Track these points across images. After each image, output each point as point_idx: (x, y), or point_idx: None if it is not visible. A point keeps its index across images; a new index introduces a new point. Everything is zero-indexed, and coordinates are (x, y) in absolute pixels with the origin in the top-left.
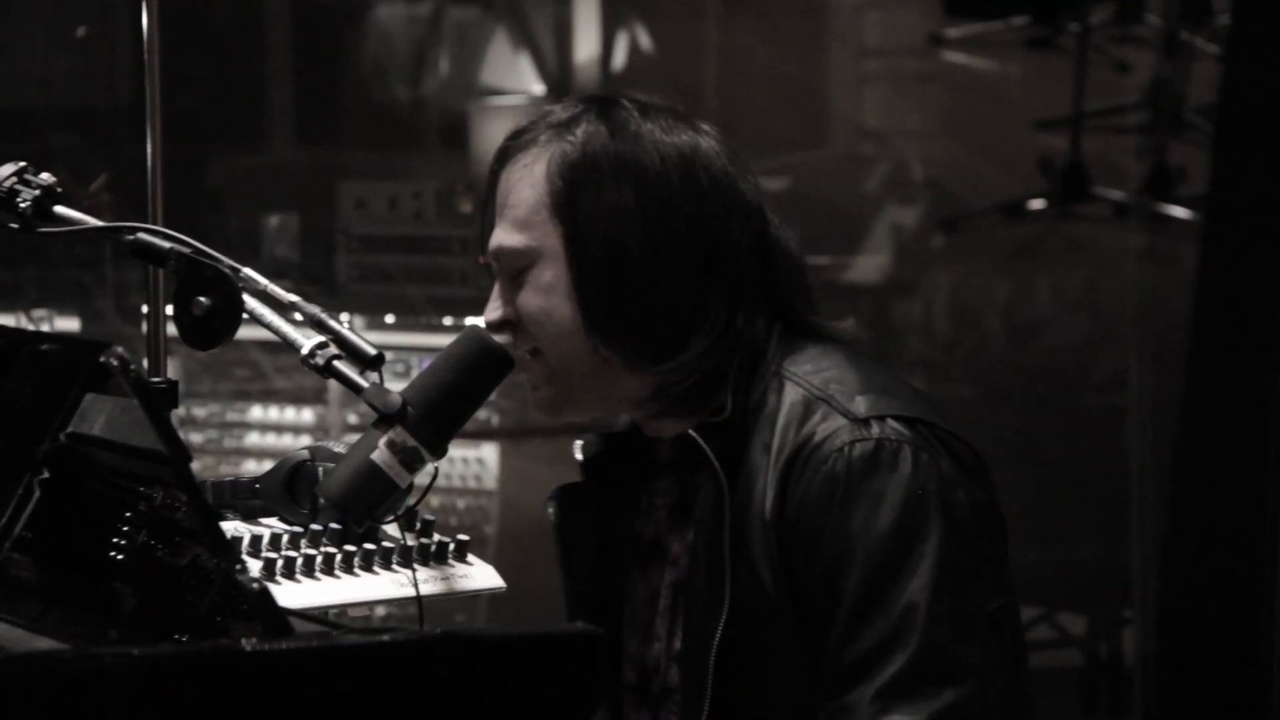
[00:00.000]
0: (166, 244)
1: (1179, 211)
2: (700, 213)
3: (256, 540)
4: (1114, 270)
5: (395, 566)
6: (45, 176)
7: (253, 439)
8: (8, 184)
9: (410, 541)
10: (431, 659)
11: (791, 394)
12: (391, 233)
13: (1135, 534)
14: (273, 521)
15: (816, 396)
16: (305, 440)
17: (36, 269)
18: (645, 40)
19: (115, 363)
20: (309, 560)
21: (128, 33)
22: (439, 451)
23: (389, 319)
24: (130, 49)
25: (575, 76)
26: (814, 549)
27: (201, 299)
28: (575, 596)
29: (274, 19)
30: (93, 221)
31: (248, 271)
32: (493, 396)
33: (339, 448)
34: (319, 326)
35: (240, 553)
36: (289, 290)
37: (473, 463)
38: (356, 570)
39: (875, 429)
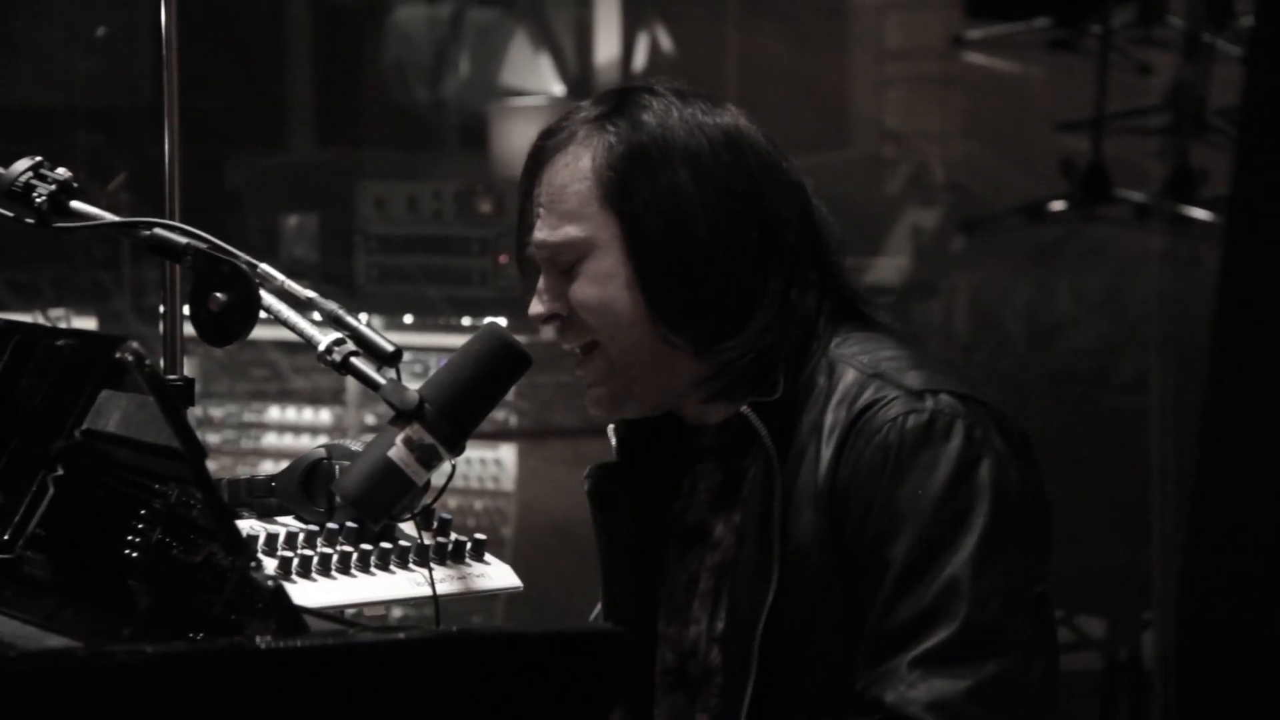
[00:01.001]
0: (183, 239)
1: (1201, 213)
2: (753, 190)
3: (272, 539)
4: (1136, 272)
5: (412, 566)
6: (61, 172)
7: (270, 440)
8: (24, 179)
9: (427, 540)
10: (448, 658)
11: (843, 375)
12: (410, 233)
13: (1156, 536)
14: (289, 520)
15: (869, 374)
16: (322, 439)
17: (55, 269)
18: (666, 41)
19: (130, 358)
20: (325, 559)
21: (148, 33)
22: (457, 449)
23: (407, 319)
24: (150, 49)
25: (596, 77)
26: (864, 517)
27: (218, 295)
28: (610, 577)
29: (295, 20)
30: (109, 216)
31: (265, 267)
32: (510, 397)
33: (356, 446)
34: (336, 323)
35: (255, 551)
36: (309, 287)
37: (490, 464)
38: (373, 569)
39: (929, 401)
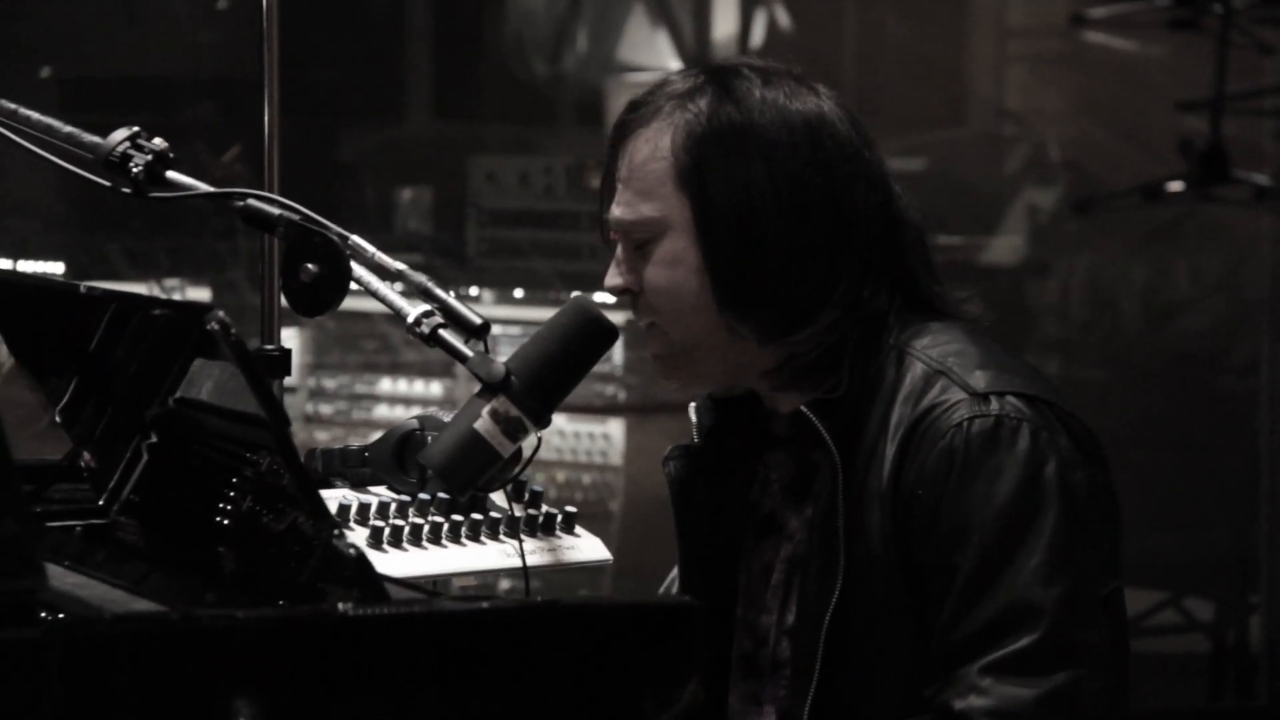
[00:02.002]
0: (276, 210)
1: None
2: (828, 183)
3: (364, 508)
4: (1252, 254)
5: (502, 537)
6: (158, 142)
7: (381, 411)
8: (121, 149)
9: (518, 512)
10: (527, 627)
11: (910, 368)
12: (522, 207)
13: (1264, 519)
14: (381, 490)
15: (935, 370)
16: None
17: (171, 239)
18: (783, 18)
19: (216, 327)
20: (416, 529)
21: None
22: (542, 422)
23: (518, 293)
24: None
25: (713, 53)
26: (930, 523)
27: (309, 266)
28: (690, 559)
29: None
30: (203, 187)
31: (356, 239)
32: (619, 372)
33: (448, 417)
34: (425, 295)
35: (341, 520)
36: (416, 263)
37: (599, 438)
38: (463, 540)
39: (995, 404)
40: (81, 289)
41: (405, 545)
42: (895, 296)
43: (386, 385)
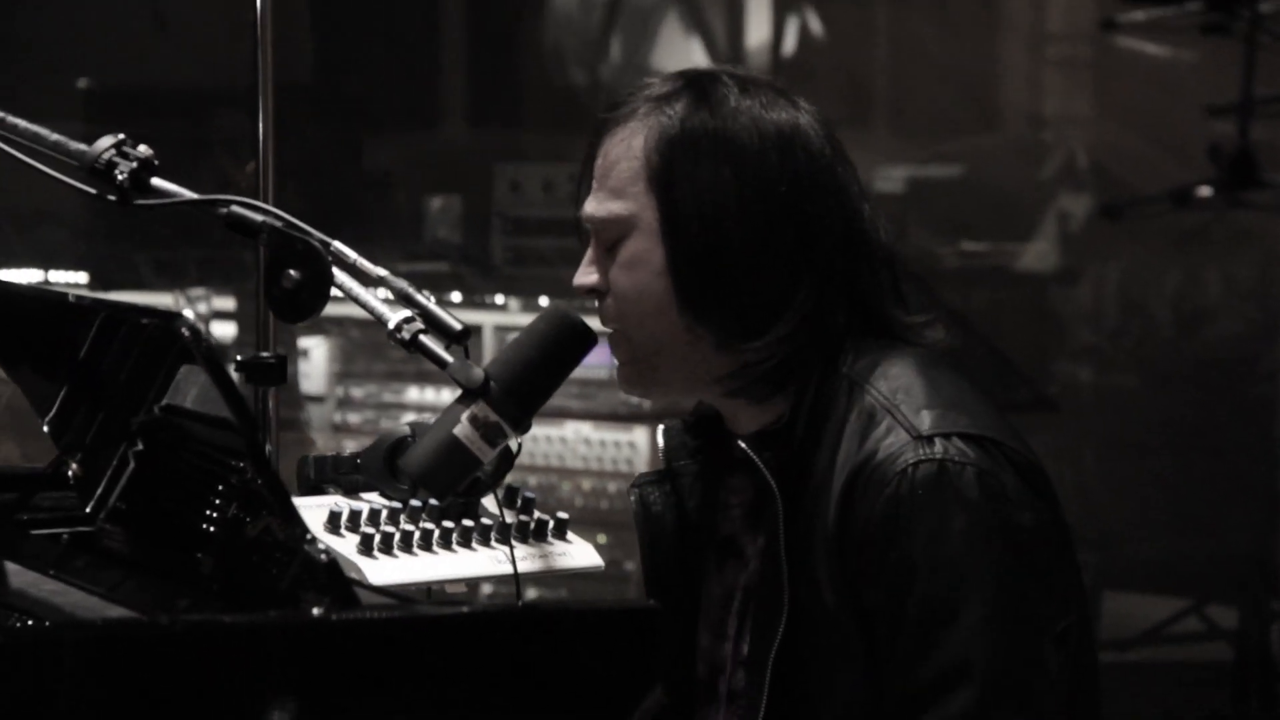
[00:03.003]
0: (259, 217)
1: None
2: (795, 194)
3: (355, 515)
4: None
5: (493, 543)
6: (143, 149)
7: (409, 420)
8: (106, 156)
9: (509, 518)
10: (489, 631)
11: (858, 401)
12: (546, 215)
13: None
14: (373, 497)
15: (882, 406)
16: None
17: (198, 249)
18: (816, 25)
19: (188, 334)
20: (406, 536)
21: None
22: (521, 427)
23: (543, 300)
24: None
25: (746, 61)
26: (878, 572)
27: (291, 272)
28: (653, 584)
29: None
30: (188, 194)
31: (338, 245)
32: None
33: None
34: (406, 301)
35: (331, 527)
36: (442, 271)
37: (624, 446)
38: (454, 546)
39: (939, 447)
40: (70, 298)
41: (395, 552)
42: (853, 317)
43: (414, 394)
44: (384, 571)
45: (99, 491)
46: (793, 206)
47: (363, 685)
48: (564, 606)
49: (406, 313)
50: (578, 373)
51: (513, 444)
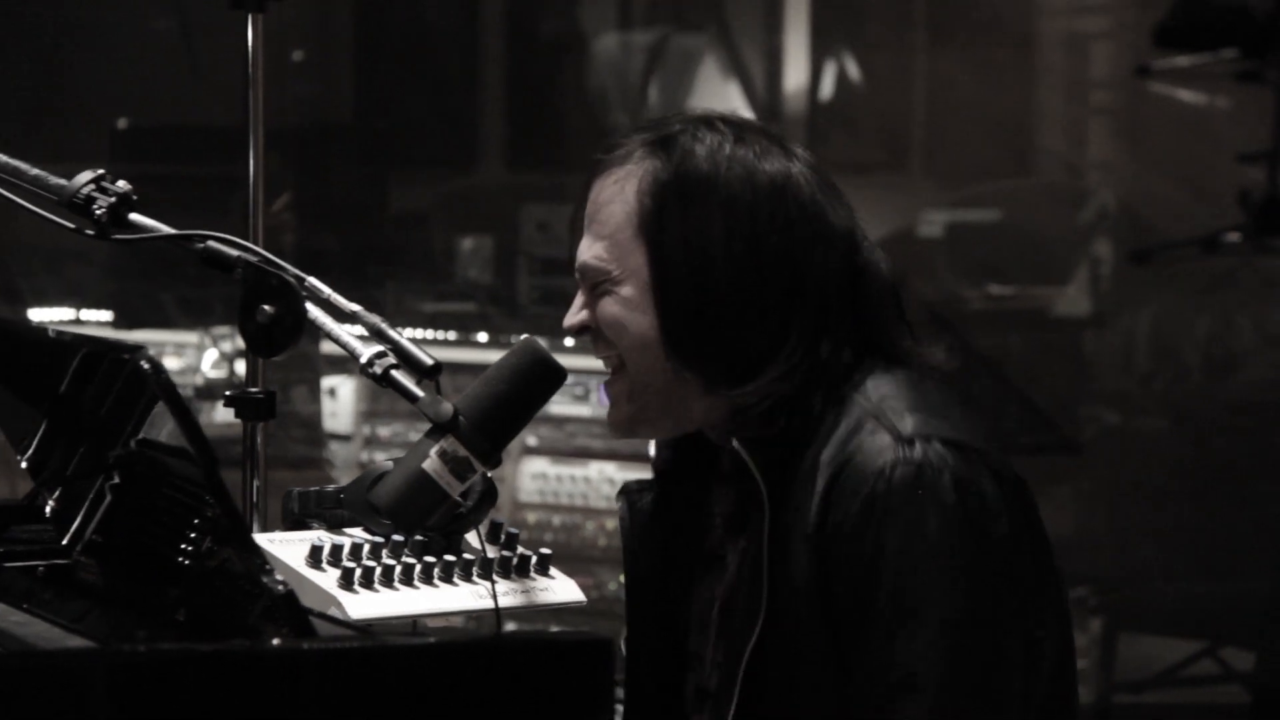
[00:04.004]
0: (234, 252)
1: None
2: (787, 243)
3: (336, 549)
4: None
5: (475, 579)
6: (121, 184)
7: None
8: (85, 191)
9: (491, 554)
10: (441, 662)
11: (848, 412)
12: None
13: None
14: (356, 531)
15: (869, 413)
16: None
17: (225, 287)
18: (854, 70)
19: (147, 367)
20: (388, 570)
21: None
22: (490, 461)
23: (569, 341)
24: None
25: (784, 104)
26: (850, 569)
27: (265, 307)
28: (635, 592)
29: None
30: (165, 229)
31: (312, 281)
32: None
33: None
34: (379, 336)
35: (313, 561)
36: (469, 311)
37: None
38: (436, 581)
39: (919, 450)
40: (50, 332)
41: (377, 586)
42: (861, 353)
43: None
44: (364, 605)
45: (75, 524)
46: (783, 256)
47: (308, 716)
48: (515, 637)
49: (379, 348)
50: (600, 413)
51: (481, 478)
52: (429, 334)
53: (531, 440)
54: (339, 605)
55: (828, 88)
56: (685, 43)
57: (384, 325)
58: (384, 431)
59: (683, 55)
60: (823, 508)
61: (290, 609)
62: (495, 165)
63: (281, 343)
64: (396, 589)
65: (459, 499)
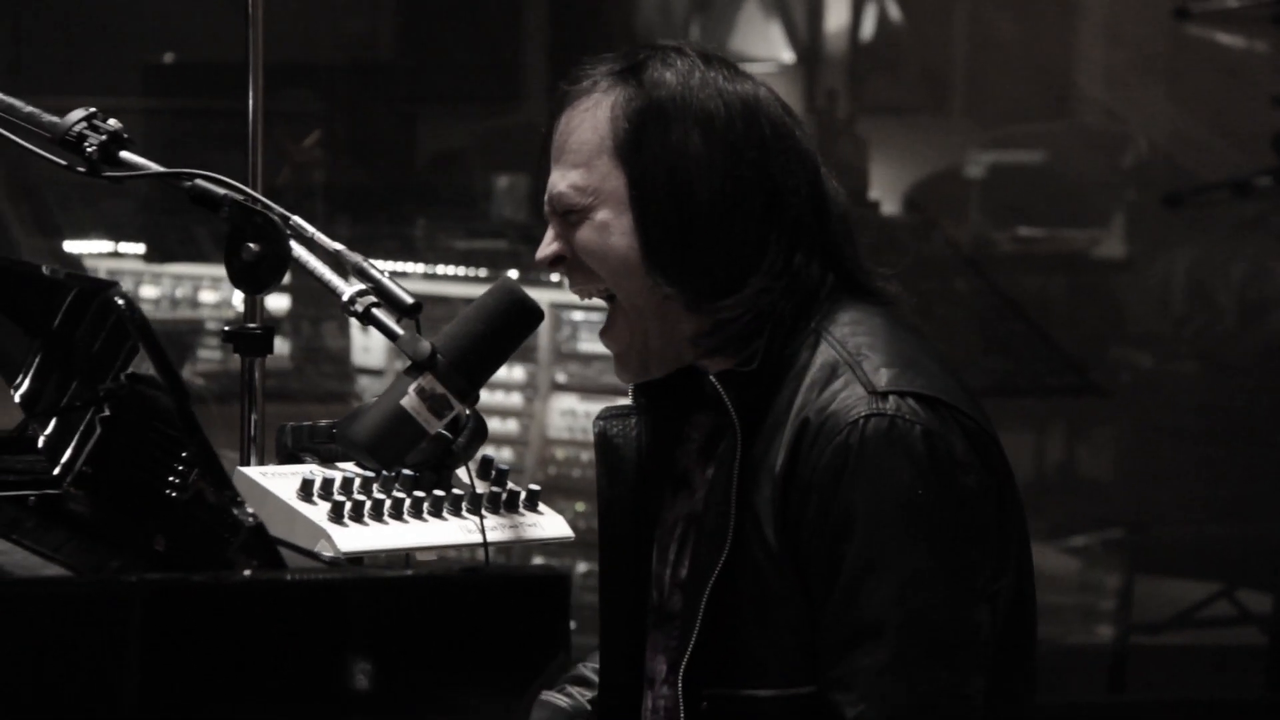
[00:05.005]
0: (221, 191)
1: None
2: (762, 157)
3: (328, 483)
4: None
5: (465, 513)
6: (112, 123)
7: None
8: (77, 129)
9: (480, 489)
10: (400, 595)
11: (823, 353)
12: None
13: None
14: (348, 466)
15: (844, 360)
16: (515, 398)
17: None
18: (894, 11)
19: (121, 302)
20: (378, 505)
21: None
22: (467, 399)
23: None
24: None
25: (825, 45)
26: (820, 518)
27: (251, 245)
28: (608, 515)
29: None
30: (154, 167)
31: (296, 220)
32: None
33: None
34: (360, 275)
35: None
36: (500, 249)
37: None
38: (425, 516)
39: (892, 404)
40: (44, 269)
41: (367, 520)
42: (827, 273)
43: None
44: (354, 539)
45: (66, 456)
46: (760, 169)
47: (273, 648)
48: (474, 570)
49: (361, 286)
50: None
51: (472, 415)
52: (461, 270)
53: (560, 377)
54: (328, 538)
55: (869, 29)
56: None
57: (365, 264)
58: None
59: None
60: (792, 455)
61: (259, 541)
62: (537, 104)
63: (266, 280)
64: (386, 523)
65: (446, 434)
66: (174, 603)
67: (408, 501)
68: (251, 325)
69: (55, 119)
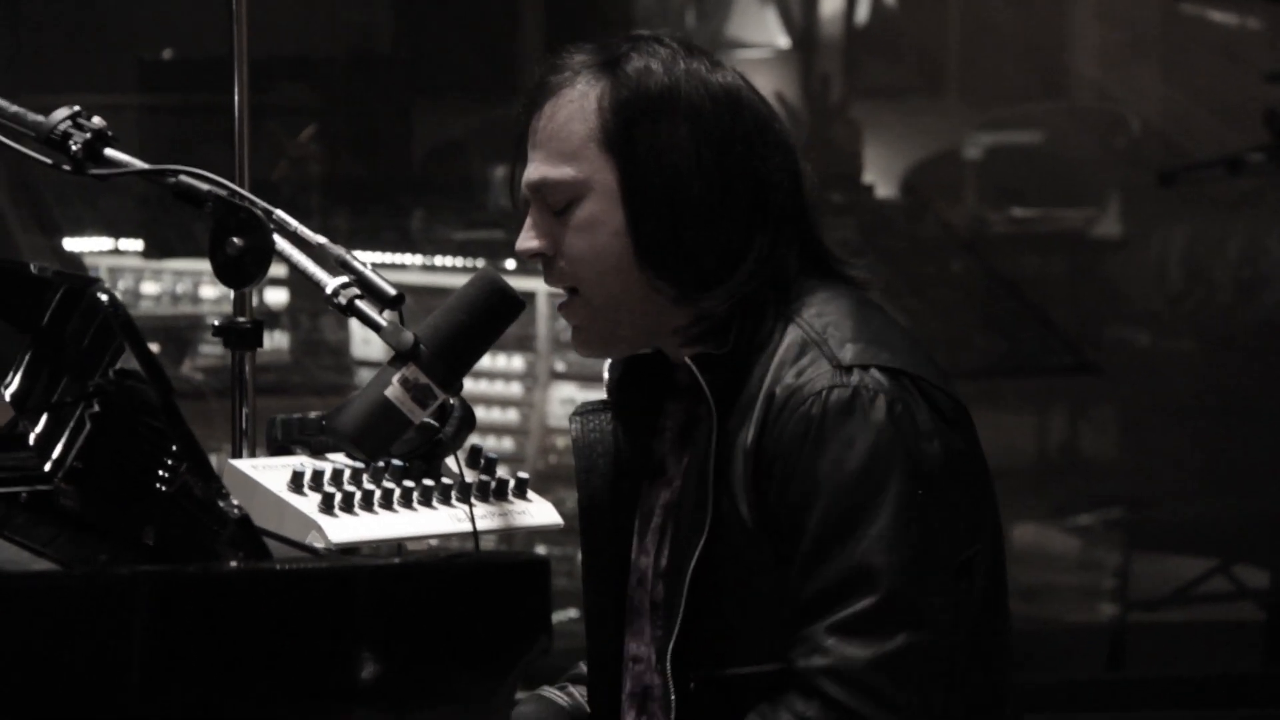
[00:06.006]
0: (205, 187)
1: None
2: (748, 150)
3: (318, 474)
4: None
5: (454, 502)
6: (97, 121)
7: (465, 385)
8: (61, 128)
9: (469, 478)
10: (382, 583)
11: (792, 334)
12: None
13: None
14: (338, 457)
15: (811, 339)
16: (515, 387)
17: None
18: None
19: (103, 297)
20: (367, 495)
21: None
22: (450, 389)
23: None
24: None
25: (820, 30)
26: (785, 487)
27: (235, 240)
28: (589, 514)
29: None
30: (139, 164)
31: (280, 214)
32: None
33: None
34: (344, 267)
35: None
36: (495, 239)
37: None
38: (415, 505)
39: (855, 377)
40: (32, 268)
41: (357, 511)
42: (803, 260)
43: None
44: (344, 530)
45: (57, 452)
46: (746, 161)
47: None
48: (456, 558)
49: (344, 278)
50: None
51: (460, 405)
52: (459, 261)
53: (560, 366)
54: (319, 529)
55: (863, 13)
56: None
57: (348, 256)
58: None
59: None
60: (760, 427)
61: (245, 532)
62: None
63: (251, 274)
64: (376, 513)
65: (433, 423)
66: (160, 595)
67: (397, 491)
68: (241, 319)
69: (40, 118)
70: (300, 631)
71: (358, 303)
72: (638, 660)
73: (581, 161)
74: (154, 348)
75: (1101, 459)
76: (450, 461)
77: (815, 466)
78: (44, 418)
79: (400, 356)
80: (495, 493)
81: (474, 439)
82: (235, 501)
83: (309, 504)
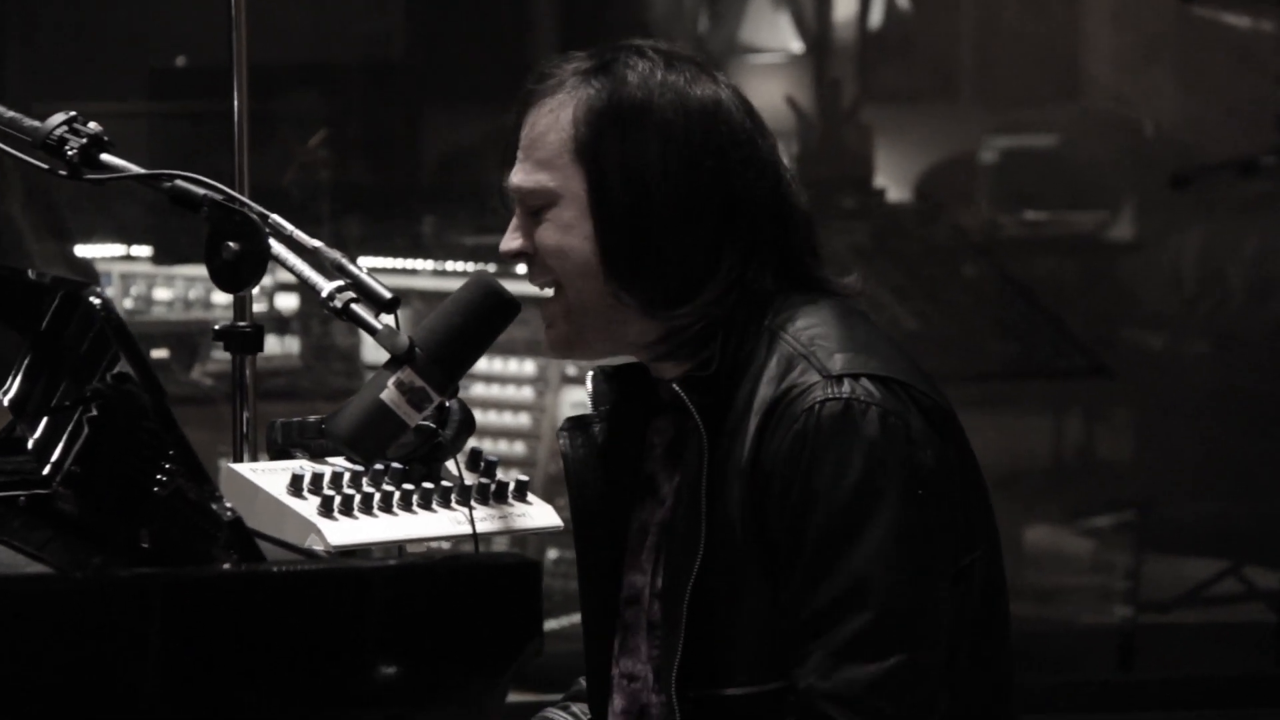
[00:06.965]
0: (201, 191)
1: None
2: (720, 166)
3: (318, 478)
4: None
5: (454, 505)
6: (93, 126)
7: (477, 390)
8: (58, 133)
9: (469, 480)
10: (374, 586)
11: (778, 349)
12: None
13: None
14: (338, 460)
15: (799, 353)
16: (526, 391)
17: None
18: None
19: (97, 303)
20: (367, 498)
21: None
22: (446, 392)
23: None
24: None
25: (834, 34)
26: (781, 502)
27: (230, 244)
28: (580, 526)
29: None
30: (135, 169)
31: (275, 218)
32: None
33: None
34: (339, 271)
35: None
36: (498, 243)
37: None
38: (415, 508)
39: (847, 387)
40: (29, 274)
41: (356, 514)
42: (781, 280)
43: (481, 364)
44: (344, 533)
45: (55, 456)
46: (717, 178)
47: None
48: (447, 561)
49: (339, 282)
50: None
51: (460, 408)
52: (470, 266)
53: (571, 370)
54: (319, 532)
55: (877, 17)
56: None
57: (344, 260)
58: None
59: None
60: (756, 444)
61: (238, 535)
62: None
63: (246, 278)
64: (376, 516)
65: (430, 426)
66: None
67: (397, 494)
68: (241, 324)
69: (36, 123)
70: (292, 634)
71: (353, 306)
72: (634, 678)
73: (555, 170)
74: (165, 353)
75: (1115, 461)
76: (450, 464)
77: (811, 483)
78: (42, 422)
79: (395, 360)
80: (495, 495)
81: (485, 443)
82: (229, 504)
83: (309, 507)
